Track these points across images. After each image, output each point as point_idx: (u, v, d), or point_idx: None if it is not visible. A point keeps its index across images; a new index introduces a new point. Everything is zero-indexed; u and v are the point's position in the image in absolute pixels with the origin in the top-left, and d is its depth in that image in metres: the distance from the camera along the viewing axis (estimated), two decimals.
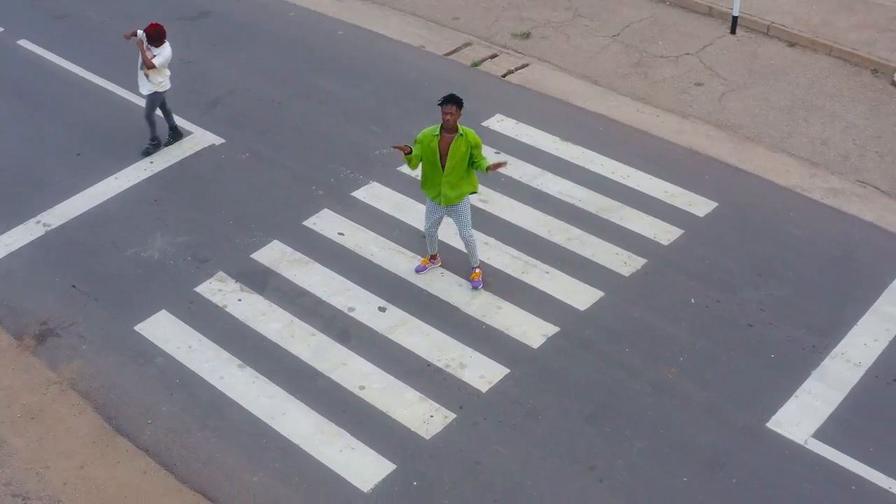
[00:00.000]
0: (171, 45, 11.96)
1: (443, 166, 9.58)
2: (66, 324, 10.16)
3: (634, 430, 8.87)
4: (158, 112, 12.32)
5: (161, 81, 12.00)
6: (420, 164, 9.78)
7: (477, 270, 10.31)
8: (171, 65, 12.03)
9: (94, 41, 14.87)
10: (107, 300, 10.41)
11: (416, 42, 14.63)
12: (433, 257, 10.51)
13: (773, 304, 10.04)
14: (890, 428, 8.79)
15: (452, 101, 9.37)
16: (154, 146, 12.42)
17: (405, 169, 11.88)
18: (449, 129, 9.49)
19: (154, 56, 11.77)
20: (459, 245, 10.68)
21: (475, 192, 10.02)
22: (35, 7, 15.88)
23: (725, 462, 8.56)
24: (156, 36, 11.74)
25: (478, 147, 9.57)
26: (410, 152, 9.60)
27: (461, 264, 10.56)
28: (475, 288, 10.28)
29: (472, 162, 9.64)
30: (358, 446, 8.81)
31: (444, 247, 10.77)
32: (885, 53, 13.59)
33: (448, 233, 10.94)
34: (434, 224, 10.12)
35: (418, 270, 10.48)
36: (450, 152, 9.49)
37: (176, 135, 12.61)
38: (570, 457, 8.66)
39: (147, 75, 11.89)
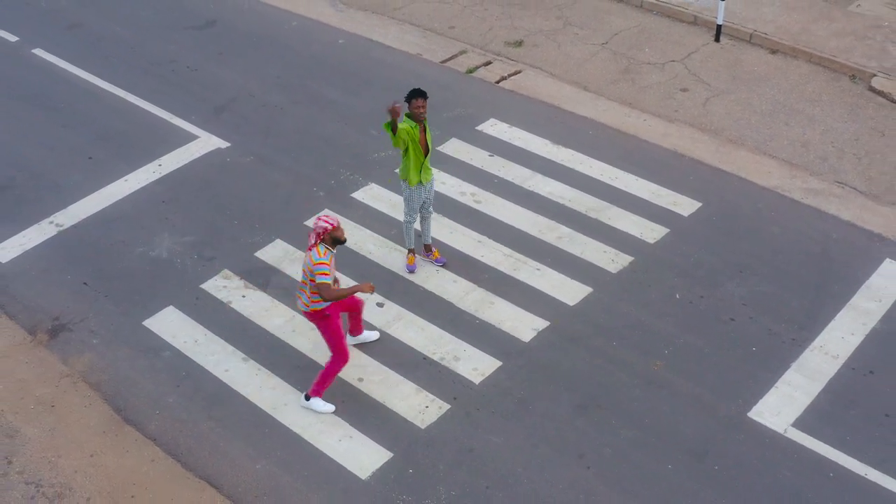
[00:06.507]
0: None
1: (425, 154, 9.81)
2: (78, 319, 10.18)
3: (622, 420, 8.88)
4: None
5: None
6: (403, 148, 9.79)
7: (435, 250, 10.56)
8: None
9: (105, 50, 14.89)
10: (117, 296, 10.43)
11: (413, 50, 14.64)
12: (415, 250, 10.53)
13: (755, 299, 10.05)
14: (865, 417, 8.80)
15: (420, 95, 9.56)
16: None
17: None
18: (419, 120, 9.67)
19: None
20: (454, 243, 10.72)
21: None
22: (49, 18, 15.89)
23: (709, 450, 8.57)
24: None
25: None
26: (399, 119, 9.51)
27: (456, 262, 10.57)
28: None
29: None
30: (356, 435, 8.82)
31: (440, 244, 10.79)
32: (862, 60, 13.60)
33: (442, 232, 10.97)
34: (417, 210, 10.17)
35: (410, 270, 10.49)
36: (427, 140, 9.76)
37: None
38: (559, 445, 8.67)
39: None
